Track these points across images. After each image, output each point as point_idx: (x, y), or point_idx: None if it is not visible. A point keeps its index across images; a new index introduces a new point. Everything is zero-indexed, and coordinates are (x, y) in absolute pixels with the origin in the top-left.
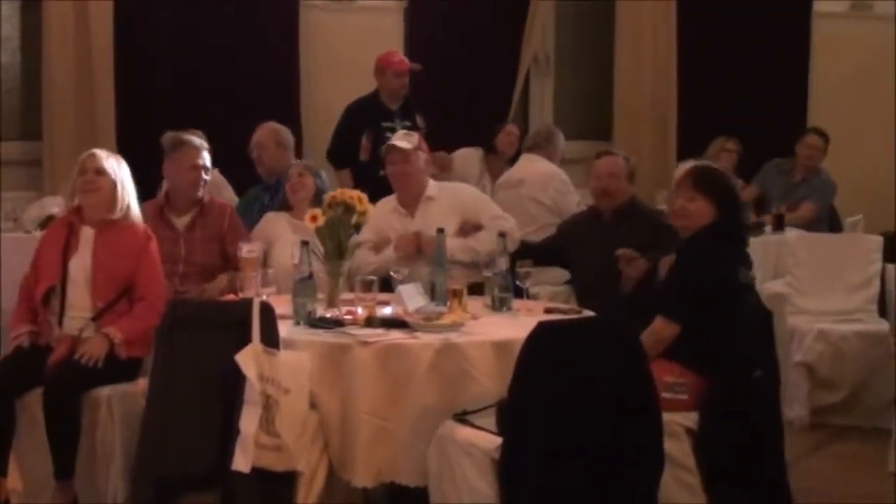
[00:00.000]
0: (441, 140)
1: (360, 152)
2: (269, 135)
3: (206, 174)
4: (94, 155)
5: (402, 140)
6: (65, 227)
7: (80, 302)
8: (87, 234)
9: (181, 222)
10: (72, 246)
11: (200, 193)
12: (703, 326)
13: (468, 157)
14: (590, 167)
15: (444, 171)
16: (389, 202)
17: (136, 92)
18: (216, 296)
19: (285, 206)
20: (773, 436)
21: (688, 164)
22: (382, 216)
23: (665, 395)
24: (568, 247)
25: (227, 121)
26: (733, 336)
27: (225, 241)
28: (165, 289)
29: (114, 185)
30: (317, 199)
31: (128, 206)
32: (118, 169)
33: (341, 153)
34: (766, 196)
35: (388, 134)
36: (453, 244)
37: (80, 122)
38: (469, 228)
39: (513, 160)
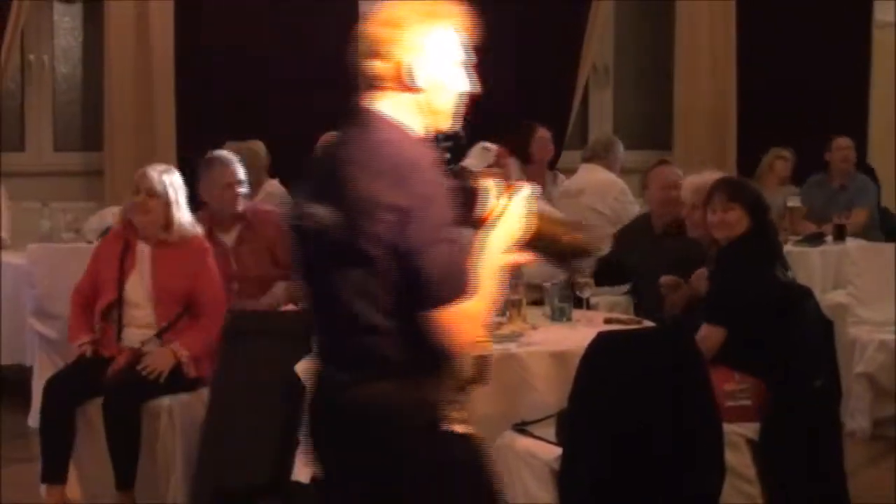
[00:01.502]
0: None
1: None
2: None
3: (242, 187)
4: (146, 175)
5: (475, 161)
6: (120, 241)
7: (140, 319)
8: (142, 250)
9: (229, 238)
10: (128, 262)
11: (240, 208)
12: (754, 328)
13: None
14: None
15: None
16: None
17: (197, 102)
18: (271, 306)
19: None
20: (834, 447)
21: (698, 178)
22: None
23: (728, 403)
24: (624, 255)
25: (288, 130)
26: (789, 336)
27: (276, 249)
28: (226, 301)
29: (166, 205)
30: None
31: (180, 223)
32: (170, 187)
33: None
34: (812, 210)
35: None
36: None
37: (141, 132)
38: None
39: (551, 165)
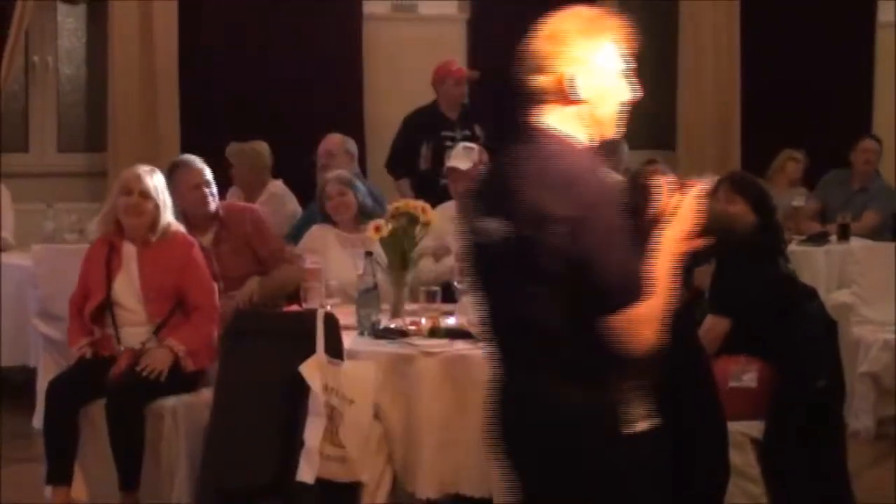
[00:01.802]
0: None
1: (419, 161)
2: (339, 144)
3: (210, 188)
4: (139, 176)
5: (461, 160)
6: (105, 244)
7: (133, 319)
8: (128, 251)
9: (206, 240)
10: (114, 264)
11: (212, 208)
12: (758, 320)
13: None
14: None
15: None
16: (448, 209)
17: (200, 103)
18: (245, 301)
19: (329, 218)
20: (837, 446)
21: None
22: (442, 224)
23: (733, 384)
24: None
25: (290, 132)
26: (793, 335)
27: (253, 244)
28: (217, 293)
29: (157, 206)
30: (362, 213)
31: (168, 223)
32: (160, 188)
33: (400, 163)
34: (827, 208)
35: (448, 143)
36: None
37: (145, 134)
38: None
39: None
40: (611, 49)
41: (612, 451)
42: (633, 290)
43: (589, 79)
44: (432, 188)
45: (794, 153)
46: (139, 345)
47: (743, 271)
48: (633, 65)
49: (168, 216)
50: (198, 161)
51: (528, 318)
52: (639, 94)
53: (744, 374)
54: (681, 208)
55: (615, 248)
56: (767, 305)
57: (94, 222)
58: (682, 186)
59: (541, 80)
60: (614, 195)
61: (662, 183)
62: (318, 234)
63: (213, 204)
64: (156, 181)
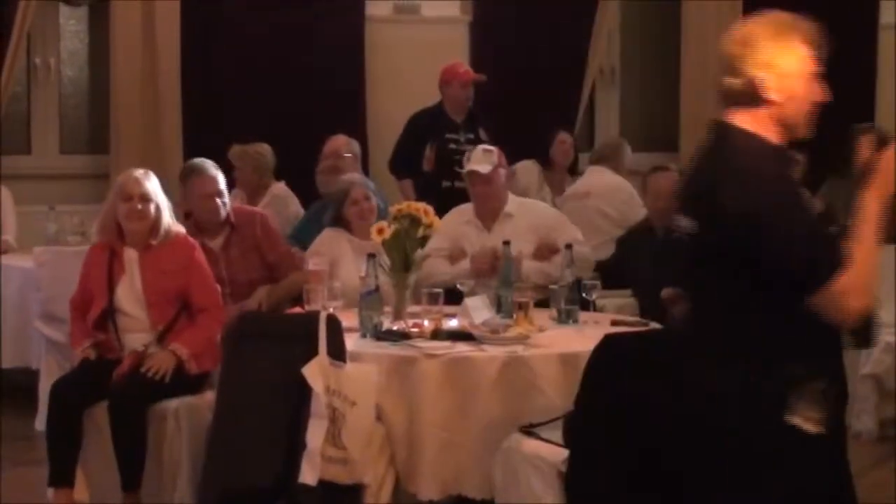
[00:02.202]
0: (507, 153)
1: (423, 163)
2: (345, 145)
3: (223, 198)
4: (138, 180)
5: (482, 163)
6: (106, 249)
7: (136, 324)
8: (130, 255)
9: (216, 244)
10: (116, 270)
11: (223, 215)
12: None
13: (527, 169)
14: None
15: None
16: (465, 213)
17: (203, 106)
18: (254, 309)
19: (342, 222)
20: (840, 447)
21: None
22: (457, 226)
23: None
24: (626, 262)
25: (293, 134)
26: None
27: (262, 249)
28: (221, 294)
29: (158, 208)
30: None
31: (168, 225)
32: (158, 191)
33: (404, 164)
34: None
35: (453, 145)
36: (529, 267)
37: (147, 135)
38: (545, 251)
39: (572, 170)
40: (802, 52)
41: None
42: (831, 265)
43: (780, 81)
44: (435, 190)
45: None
46: (142, 347)
47: None
48: (824, 67)
49: (168, 218)
50: (212, 168)
51: (731, 310)
52: (829, 96)
53: None
54: (883, 167)
55: (805, 237)
56: None
57: (96, 224)
58: (884, 145)
59: (734, 83)
60: (801, 193)
61: (865, 142)
62: (330, 239)
63: (224, 211)
64: (153, 183)
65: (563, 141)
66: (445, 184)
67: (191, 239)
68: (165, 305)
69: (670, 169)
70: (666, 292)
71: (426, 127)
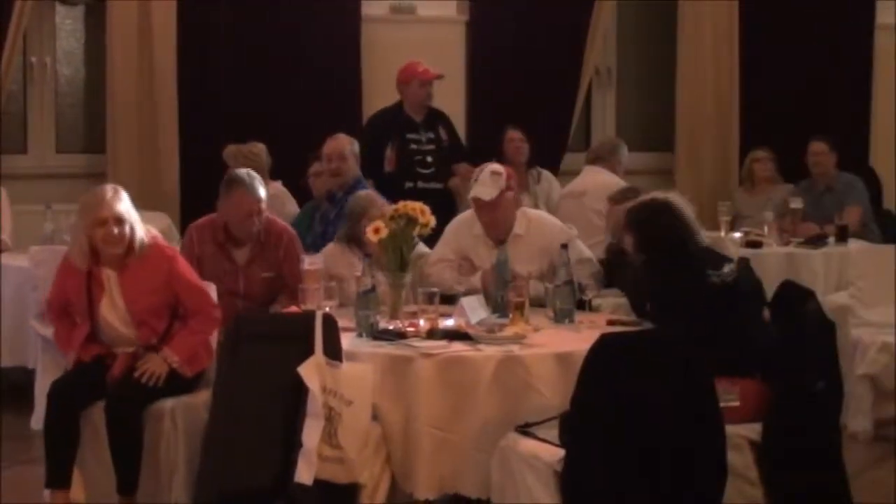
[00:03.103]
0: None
1: (384, 164)
2: (347, 145)
3: (261, 215)
4: (109, 203)
5: (487, 188)
6: (79, 273)
7: (125, 340)
8: (109, 276)
9: (240, 256)
10: (96, 291)
11: (256, 229)
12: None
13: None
14: (646, 182)
15: (466, 182)
16: (473, 226)
17: (199, 105)
18: None
19: (355, 239)
20: (835, 447)
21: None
22: (466, 238)
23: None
24: (615, 265)
25: (289, 134)
26: (791, 338)
27: (282, 270)
28: (212, 294)
29: (132, 228)
30: None
31: (142, 241)
32: (129, 207)
33: (365, 165)
34: (806, 214)
35: (414, 145)
36: (537, 288)
37: (143, 135)
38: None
39: (531, 164)
40: None
41: None
42: None
43: None
44: (398, 191)
45: (757, 153)
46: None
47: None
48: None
49: (140, 232)
50: (258, 184)
51: None
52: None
53: (727, 394)
54: None
55: None
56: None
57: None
58: None
59: None
60: None
61: None
62: (339, 255)
63: (258, 226)
64: (124, 202)
65: (513, 138)
66: (408, 184)
67: (168, 249)
68: (154, 321)
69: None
70: None
71: (385, 127)
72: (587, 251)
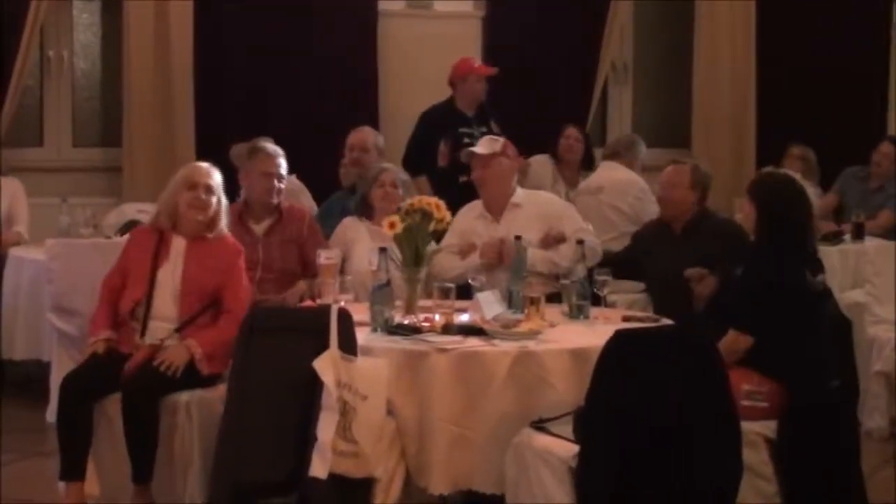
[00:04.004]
0: (520, 148)
1: (438, 158)
2: (371, 138)
3: (281, 182)
4: (206, 171)
5: (484, 146)
6: (155, 233)
7: (165, 311)
8: (178, 244)
9: (259, 228)
10: (162, 255)
11: (275, 200)
12: (777, 335)
13: (540, 164)
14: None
15: (521, 175)
16: (475, 208)
17: (216, 99)
18: (295, 302)
19: (365, 212)
20: (851, 445)
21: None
22: (468, 221)
23: (744, 402)
24: (641, 257)
25: (306, 128)
26: (809, 344)
27: (304, 247)
28: (250, 302)
29: (219, 203)
30: None
31: (219, 227)
32: (220, 189)
33: (418, 160)
34: (845, 204)
35: (466, 140)
36: (535, 255)
37: (160, 128)
38: (551, 239)
39: (588, 164)
40: None
41: None
42: None
43: None
44: (452, 185)
45: (794, 148)
46: (158, 341)
47: (761, 278)
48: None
49: (223, 218)
50: (278, 152)
51: None
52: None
53: (756, 394)
54: None
55: None
56: (787, 318)
57: (108, 217)
58: None
59: None
60: None
61: None
62: (350, 226)
63: (277, 198)
64: (217, 179)
65: (569, 136)
66: (462, 178)
67: (238, 245)
68: (195, 299)
69: (683, 162)
70: (690, 271)
71: (438, 123)
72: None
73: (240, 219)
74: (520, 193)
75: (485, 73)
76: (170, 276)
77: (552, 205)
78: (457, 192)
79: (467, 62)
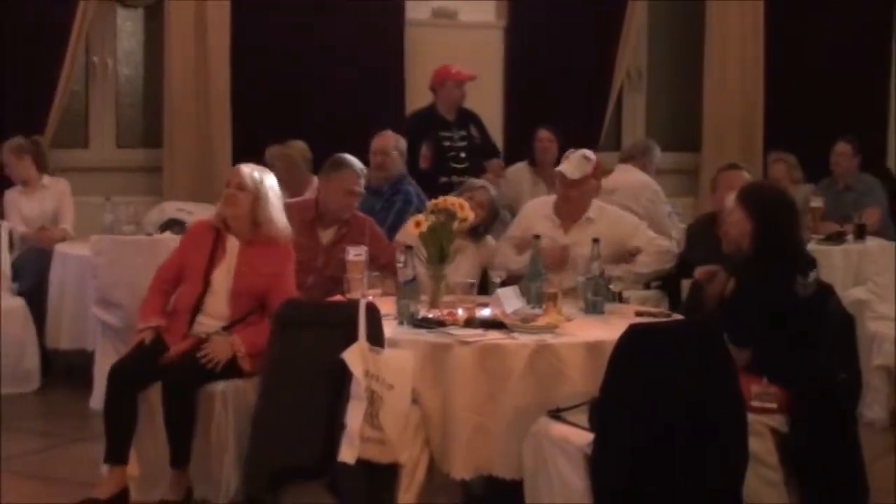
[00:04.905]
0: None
1: (420, 161)
2: (393, 141)
3: (359, 199)
4: (238, 170)
5: (575, 167)
6: (212, 231)
7: (218, 309)
8: (233, 245)
9: (326, 236)
10: (218, 254)
11: (350, 212)
12: (774, 348)
13: (517, 171)
14: (673, 181)
15: (497, 177)
16: (546, 205)
17: (251, 103)
18: None
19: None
20: (853, 435)
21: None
22: (535, 217)
23: (754, 403)
24: (691, 252)
25: (335, 132)
26: (809, 349)
27: (374, 253)
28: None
29: (254, 199)
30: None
31: (269, 220)
32: (261, 185)
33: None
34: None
35: (447, 143)
36: (621, 270)
37: (198, 131)
38: (625, 256)
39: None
40: None
41: None
42: None
43: None
44: (433, 186)
45: (771, 155)
46: (205, 335)
47: (752, 293)
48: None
49: (272, 214)
50: (363, 171)
51: None
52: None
53: (764, 397)
54: None
55: None
56: (779, 325)
57: (150, 215)
58: None
59: None
60: None
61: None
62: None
63: (351, 211)
64: (260, 177)
65: (542, 138)
66: (443, 179)
67: (291, 248)
68: (246, 299)
69: (740, 168)
70: (700, 270)
71: (420, 126)
72: (658, 237)
73: (309, 223)
74: (594, 207)
75: (461, 78)
76: (224, 277)
77: (623, 223)
78: (439, 192)
79: (446, 68)
